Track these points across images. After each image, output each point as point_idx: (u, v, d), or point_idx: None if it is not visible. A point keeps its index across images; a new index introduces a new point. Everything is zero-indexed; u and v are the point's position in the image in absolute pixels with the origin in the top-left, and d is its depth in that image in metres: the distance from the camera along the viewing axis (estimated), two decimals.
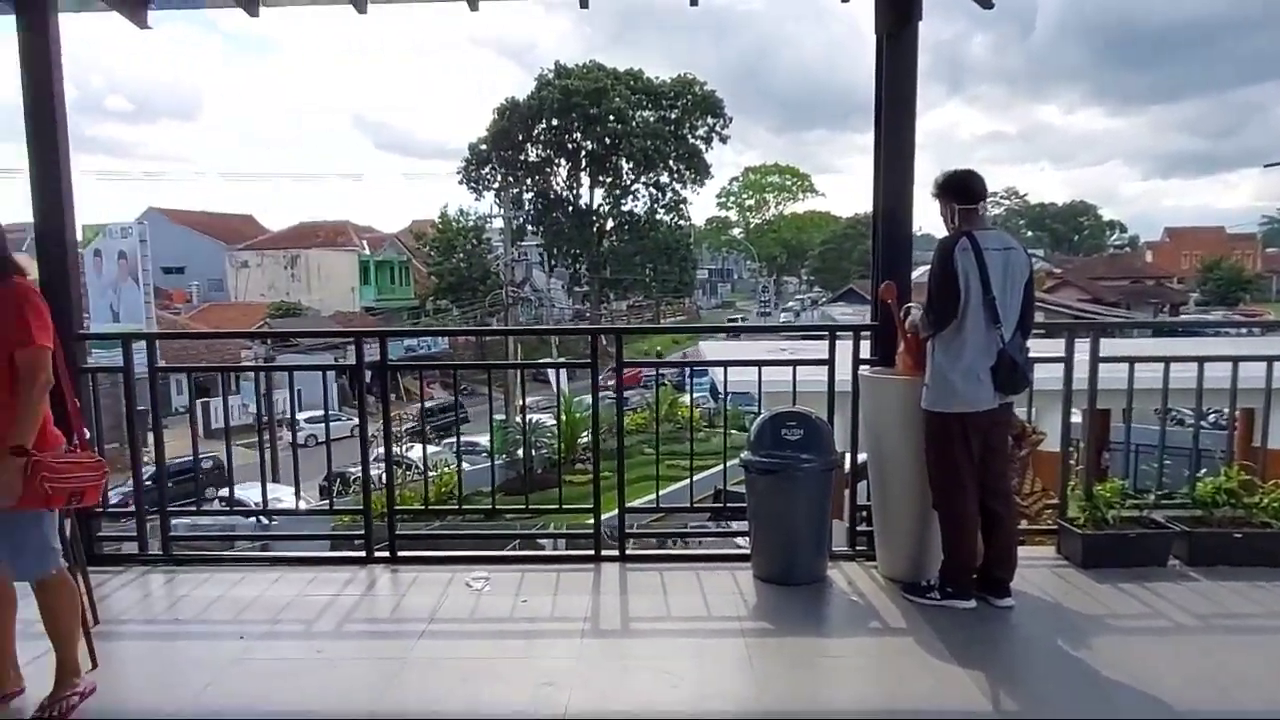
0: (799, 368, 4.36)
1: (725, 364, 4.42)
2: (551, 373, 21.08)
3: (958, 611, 3.56)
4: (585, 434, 18.90)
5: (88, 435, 3.22)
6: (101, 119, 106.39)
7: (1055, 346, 4.40)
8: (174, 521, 4.46)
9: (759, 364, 4.35)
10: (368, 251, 42.07)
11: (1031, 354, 3.62)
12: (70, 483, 2.75)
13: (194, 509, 5.03)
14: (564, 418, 19.62)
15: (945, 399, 3.52)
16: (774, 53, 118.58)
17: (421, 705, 2.95)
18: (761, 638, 3.49)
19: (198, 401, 4.68)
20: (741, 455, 3.99)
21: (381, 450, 4.77)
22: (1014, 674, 3.21)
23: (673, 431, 19.65)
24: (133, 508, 4.38)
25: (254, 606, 3.79)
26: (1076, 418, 4.36)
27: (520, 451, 16.51)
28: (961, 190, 3.60)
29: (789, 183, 72.96)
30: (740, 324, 40.25)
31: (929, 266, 3.62)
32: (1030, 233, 73.33)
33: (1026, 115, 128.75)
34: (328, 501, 6.22)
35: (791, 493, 3.86)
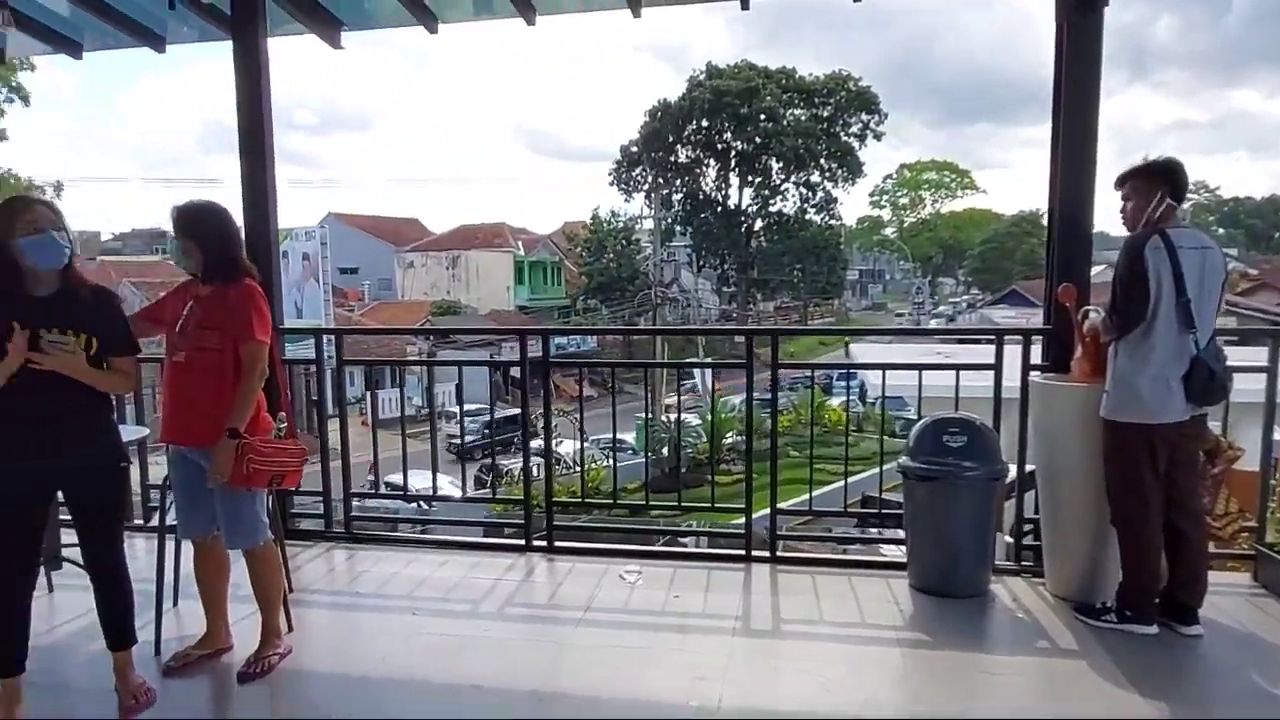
0: (961, 372, 4.20)
1: (884, 367, 4.32)
2: (697, 372, 21.19)
3: (1136, 636, 3.33)
4: (730, 435, 18.89)
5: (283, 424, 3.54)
6: (290, 132, 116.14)
7: (1253, 355, 4.02)
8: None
9: (920, 368, 4.22)
10: (522, 252, 43.73)
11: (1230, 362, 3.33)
12: (273, 466, 3.04)
13: (372, 492, 5.42)
14: (710, 417, 19.73)
15: (1128, 407, 3.29)
16: (935, 44, 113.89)
17: (583, 688, 3.07)
18: (918, 648, 3.40)
19: (366, 393, 5.06)
20: (899, 461, 3.89)
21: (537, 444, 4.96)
22: (1201, 707, 2.98)
23: (819, 435, 19.31)
24: (320, 489, 4.77)
25: (425, 585, 4.06)
26: (1279, 434, 3.97)
27: (665, 450, 16.75)
28: (1176, 179, 3.31)
29: (947, 179, 69.87)
30: (903, 326, 38.67)
31: (1108, 266, 3.39)
32: (1221, 230, 66.73)
33: (1219, 101, 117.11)
34: (488, 491, 6.64)
35: (952, 501, 3.73)
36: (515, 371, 4.71)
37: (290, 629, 3.46)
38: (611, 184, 46.70)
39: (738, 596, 3.88)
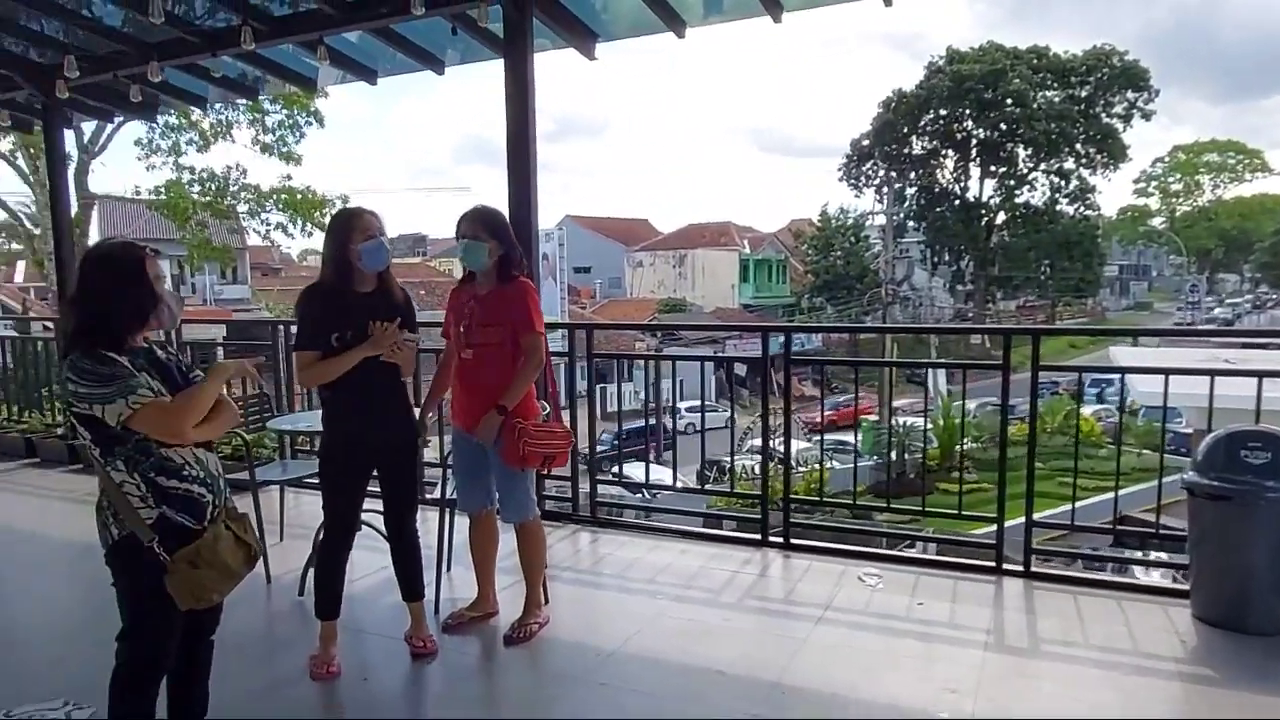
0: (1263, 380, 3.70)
1: (1168, 371, 3.89)
2: (929, 374, 20.17)
3: None
4: (970, 441, 17.82)
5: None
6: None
7: None
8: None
9: (1212, 373, 3.75)
10: (748, 250, 43.83)
11: None
12: (544, 448, 3.32)
13: (616, 479, 5.71)
14: (941, 421, 18.71)
15: None
16: (1217, 7, 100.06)
17: (824, 685, 3.06)
18: (1201, 685, 3.06)
19: (596, 387, 5.32)
20: (1183, 476, 3.51)
21: (757, 442, 4.97)
22: None
23: (1066, 446, 17.69)
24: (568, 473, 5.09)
25: (666, 572, 4.22)
26: None
27: (893, 453, 16.14)
28: None
29: (1231, 161, 61.06)
30: (1189, 328, 33.96)
31: None
32: None
33: None
34: (704, 485, 6.82)
35: (1249, 525, 3.30)
36: (739, 369, 4.73)
37: (547, 601, 3.74)
38: (840, 179, 45.51)
39: (988, 610, 3.69)
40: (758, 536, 4.57)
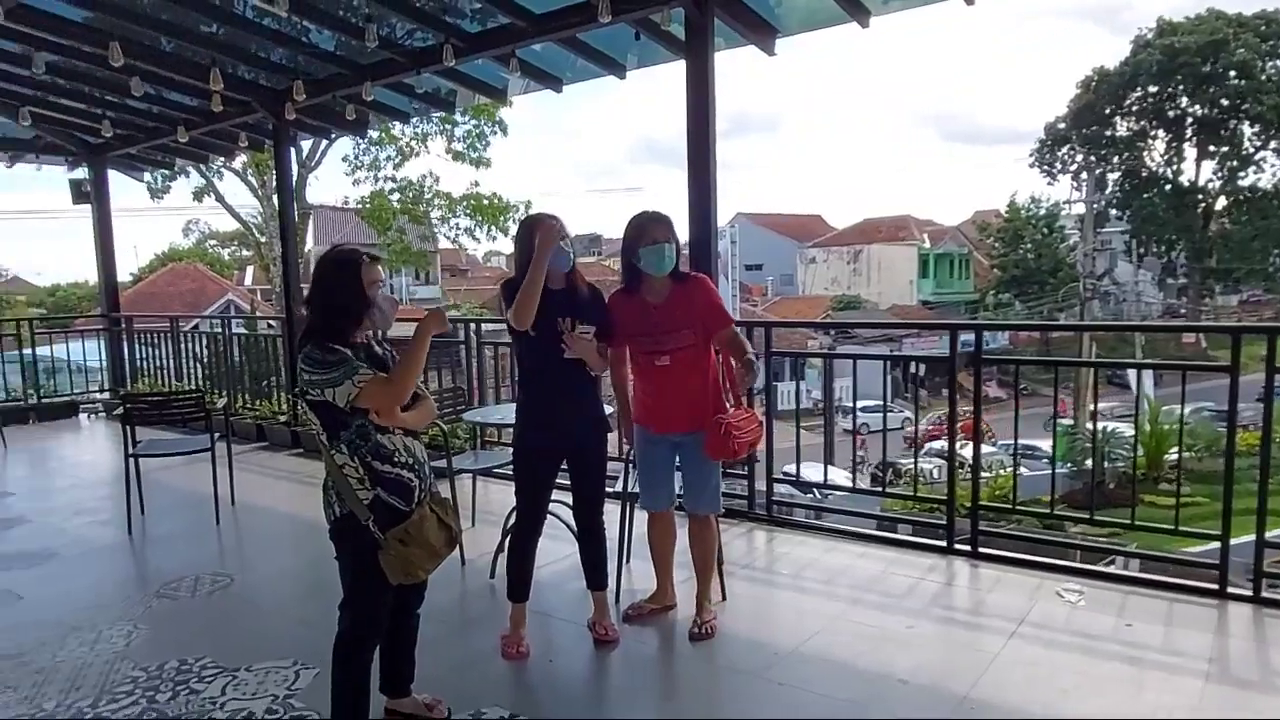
0: None
1: None
2: (1131, 377, 18.43)
3: None
4: (1189, 450, 16.17)
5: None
6: None
7: None
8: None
9: None
10: (927, 245, 41.92)
11: None
12: (748, 436, 3.32)
13: (792, 479, 5.65)
14: (1148, 427, 17.08)
15: None
16: None
17: (1017, 704, 2.89)
18: None
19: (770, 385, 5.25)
20: None
21: (936, 444, 4.75)
22: None
23: None
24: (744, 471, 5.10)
25: (844, 574, 4.13)
26: None
27: (1088, 460, 14.90)
28: None
29: None
30: None
31: None
32: None
33: None
34: (884, 488, 6.59)
35: None
36: (916, 368, 4.50)
37: (723, 598, 3.77)
38: (1032, 166, 42.37)
39: (1209, 636, 3.35)
40: (942, 543, 4.38)
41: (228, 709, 2.95)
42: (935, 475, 13.78)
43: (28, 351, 10.15)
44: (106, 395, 10.05)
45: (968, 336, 4.66)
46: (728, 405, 3.40)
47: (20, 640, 3.54)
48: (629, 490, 4.00)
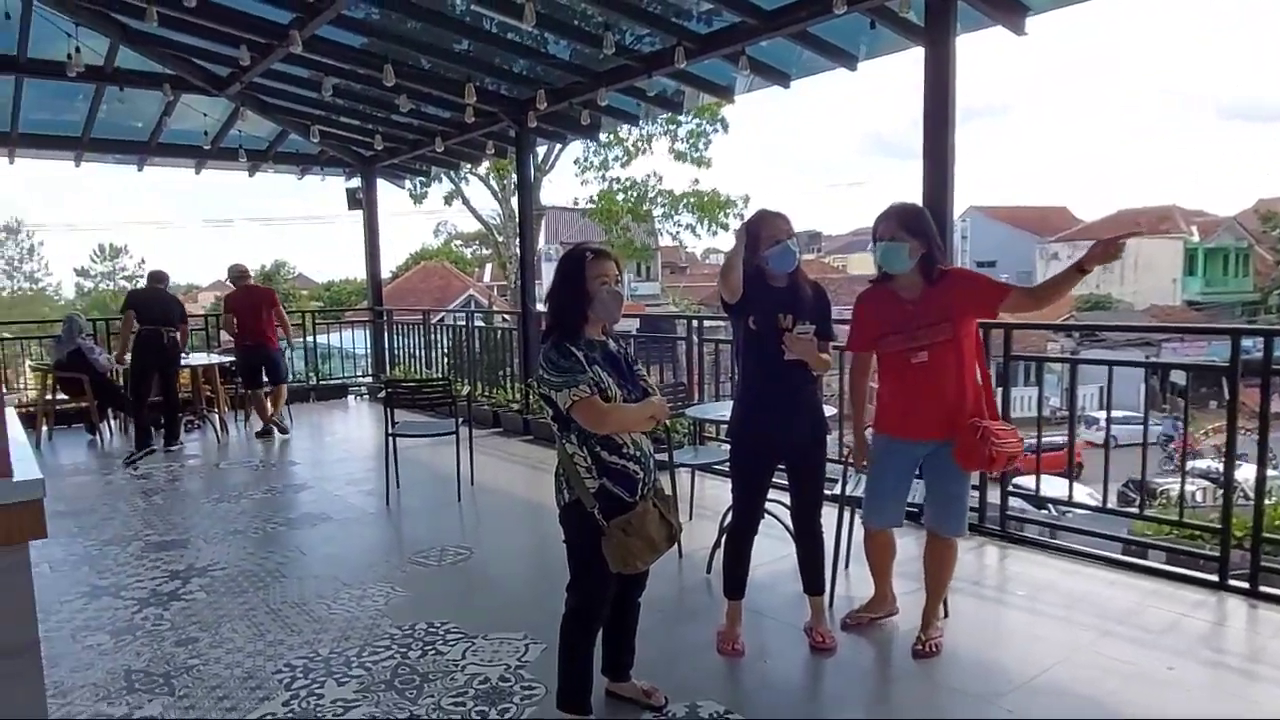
0: None
1: None
2: None
3: None
4: None
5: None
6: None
7: None
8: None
9: None
10: (1196, 238, 37.13)
11: None
12: (1008, 449, 3.08)
13: (1029, 494, 5.24)
14: None
15: None
16: None
17: None
18: None
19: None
20: None
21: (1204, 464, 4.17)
22: None
23: None
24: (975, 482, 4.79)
25: (1086, 601, 3.77)
26: None
27: None
28: None
29: None
30: None
31: None
32: None
33: None
34: (1142, 509, 5.84)
35: None
36: (1175, 376, 3.97)
37: (946, 615, 3.57)
38: None
39: None
40: (1213, 577, 3.87)
41: (467, 672, 3.20)
42: (1198, 499, 12.26)
43: (309, 339, 11.65)
44: (370, 380, 11.29)
45: (1250, 342, 4.07)
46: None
47: (304, 592, 4.07)
48: (847, 494, 3.90)
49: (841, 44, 5.43)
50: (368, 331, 11.62)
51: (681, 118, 20.53)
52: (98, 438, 8.24)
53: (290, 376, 9.03)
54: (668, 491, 2.85)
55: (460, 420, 5.93)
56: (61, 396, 8.42)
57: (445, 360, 10.42)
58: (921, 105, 4.49)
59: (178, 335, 7.53)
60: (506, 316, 14.68)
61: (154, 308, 7.43)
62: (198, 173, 10.27)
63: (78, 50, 6.70)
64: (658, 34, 5.78)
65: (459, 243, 43.17)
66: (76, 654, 3.41)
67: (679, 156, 21.42)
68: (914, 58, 4.64)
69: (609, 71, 6.37)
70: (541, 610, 3.68)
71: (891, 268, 3.16)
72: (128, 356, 7.47)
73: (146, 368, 7.42)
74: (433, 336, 10.64)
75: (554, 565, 4.41)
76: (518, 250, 23.34)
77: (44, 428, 8.23)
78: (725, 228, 23.72)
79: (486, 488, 6.10)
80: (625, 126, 14.44)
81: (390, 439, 5.79)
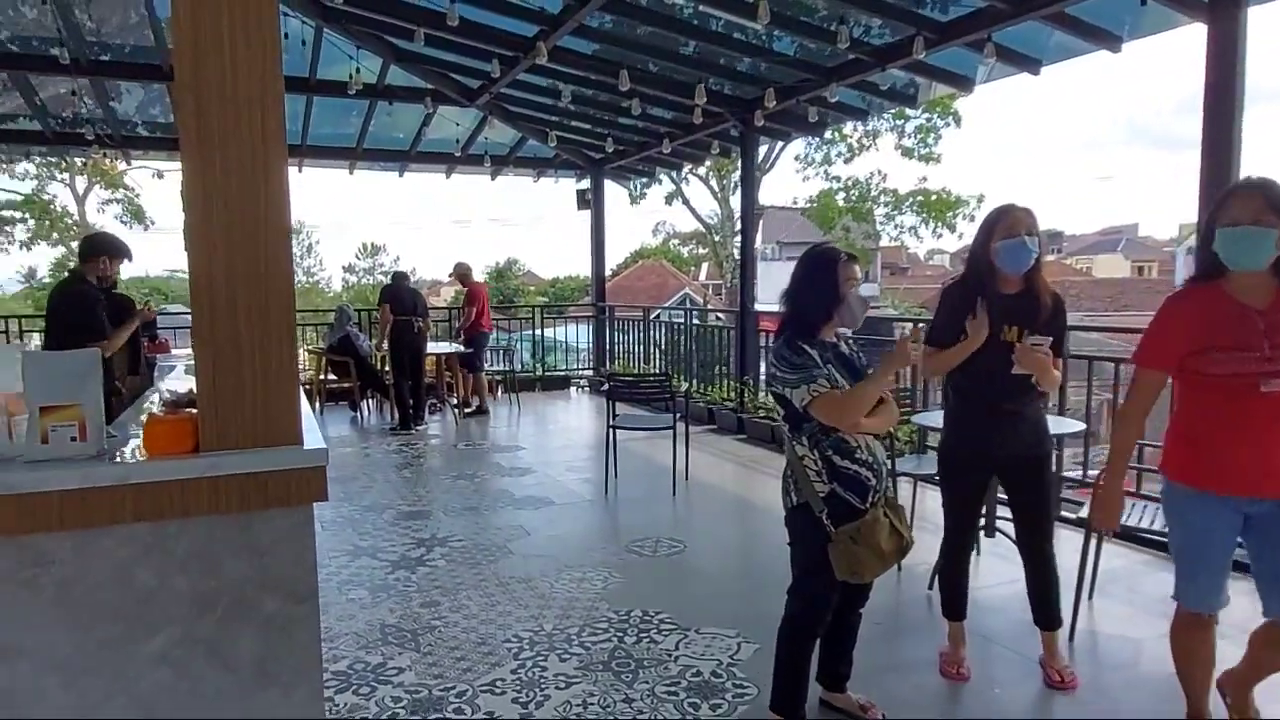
0: None
1: None
2: None
3: None
4: None
5: None
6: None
7: None
8: None
9: None
10: None
11: None
12: None
13: None
14: None
15: None
16: None
17: None
18: None
19: None
20: None
21: None
22: None
23: None
24: None
25: None
26: None
27: None
28: None
29: None
30: None
31: None
32: None
33: None
34: None
35: None
36: None
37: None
38: None
39: None
40: None
41: (680, 663, 3.26)
42: None
43: (535, 332, 12.42)
44: (590, 373, 11.81)
45: None
46: None
47: (529, 569, 4.33)
48: (1103, 531, 3.50)
49: (1104, 24, 4.94)
50: (590, 326, 12.15)
51: (911, 112, 19.71)
52: (358, 415, 9.26)
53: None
54: (900, 503, 2.74)
55: (678, 416, 6.05)
56: (331, 377, 9.56)
57: (660, 356, 10.68)
58: (1198, 88, 4.00)
59: (423, 324, 8.37)
60: (720, 315, 14.80)
61: (405, 300, 8.34)
62: (448, 177, 11.23)
63: (358, 71, 7.56)
64: (891, 24, 5.57)
65: (676, 241, 44.04)
66: (341, 605, 3.84)
67: (906, 153, 20.55)
68: (1188, 34, 4.14)
69: (839, 67, 6.22)
70: (753, 609, 3.68)
71: (1244, 261, 2.34)
72: (385, 344, 8.40)
73: (401, 354, 8.30)
74: (650, 333, 10.95)
75: (765, 565, 4.42)
76: (734, 249, 23.55)
77: (317, 404, 9.36)
78: (953, 229, 22.49)
79: (700, 483, 6.17)
80: (852, 123, 14.06)
81: (611, 430, 6.02)
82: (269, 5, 1.83)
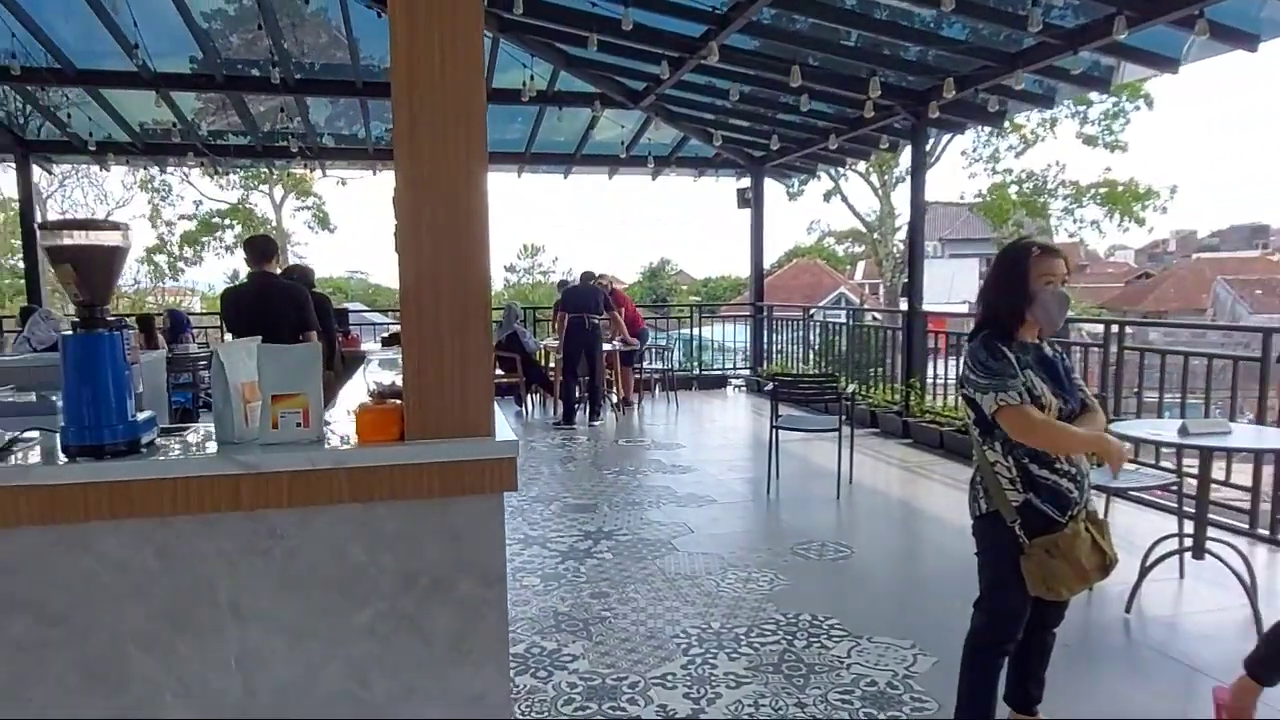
0: None
1: None
2: None
3: None
4: None
5: None
6: None
7: None
8: None
9: None
10: None
11: None
12: None
13: None
14: None
15: None
16: None
17: None
18: None
19: None
20: None
21: None
22: None
23: None
24: None
25: None
26: None
27: None
28: None
29: None
30: None
31: None
32: None
33: None
34: None
35: None
36: None
37: None
38: None
39: None
40: None
41: (853, 671, 3.17)
42: None
43: (689, 331, 12.49)
44: (747, 372, 11.74)
45: None
46: None
47: (694, 566, 4.35)
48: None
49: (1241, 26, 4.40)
50: (748, 325, 12.08)
51: (1095, 96, 18.32)
52: (523, 409, 9.64)
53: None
54: (1103, 518, 2.54)
55: (843, 418, 5.91)
56: (497, 372, 10.02)
57: (815, 357, 10.48)
58: None
59: (599, 322, 8.63)
60: (877, 315, 14.31)
61: (578, 299, 8.67)
62: (610, 178, 11.48)
63: (531, 79, 7.87)
64: (1086, 4, 5.18)
65: (831, 239, 43.04)
66: (515, 591, 4.01)
67: (1088, 141, 19.13)
68: None
69: (1024, 51, 5.85)
70: (928, 620, 3.54)
71: None
72: (557, 340, 8.80)
73: (574, 351, 8.59)
74: (806, 333, 10.77)
75: (939, 575, 4.24)
76: (893, 247, 22.72)
77: None
78: (1141, 222, 20.74)
79: (865, 487, 6.00)
80: (1032, 111, 13.27)
81: (774, 431, 5.95)
82: (475, 25, 1.93)
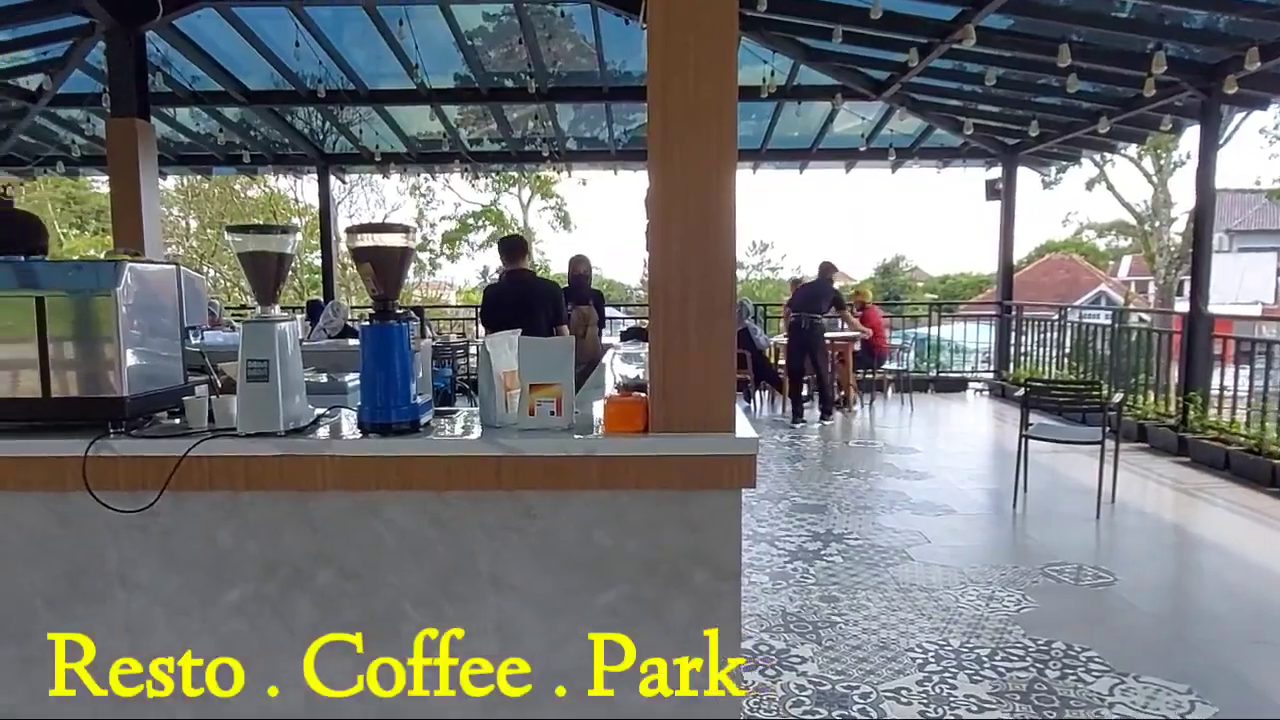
0: None
1: None
2: None
3: None
4: None
5: None
6: None
7: None
8: None
9: None
10: None
11: None
12: None
13: None
14: None
15: None
16: None
17: None
18: None
19: None
20: None
21: None
22: None
23: None
24: None
25: None
26: None
27: None
28: None
29: None
30: None
31: None
32: None
33: None
34: None
35: None
36: None
37: None
38: None
39: None
40: None
41: (1116, 710, 2.87)
42: None
43: (923, 330, 11.87)
44: (990, 375, 10.96)
45: None
46: None
47: (930, 578, 4.14)
48: None
49: None
50: (993, 326, 11.28)
51: None
52: (751, 406, 9.64)
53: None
54: None
55: (1106, 429, 5.35)
56: None
57: (1070, 361, 9.57)
58: None
59: (818, 319, 8.48)
60: (1144, 316, 12.75)
61: (803, 297, 8.68)
62: (847, 172, 11.16)
63: (772, 74, 7.84)
64: None
65: (1092, 232, 39.05)
66: (744, 588, 4.02)
67: None
68: None
69: None
70: (1207, 662, 3.12)
71: None
72: (783, 339, 8.79)
73: (796, 349, 8.54)
74: (1060, 335, 9.86)
75: (1219, 613, 3.73)
76: (1168, 240, 20.13)
77: None
78: None
79: (1131, 508, 5.40)
80: None
81: (1024, 440, 5.51)
82: (729, 27, 1.95)
